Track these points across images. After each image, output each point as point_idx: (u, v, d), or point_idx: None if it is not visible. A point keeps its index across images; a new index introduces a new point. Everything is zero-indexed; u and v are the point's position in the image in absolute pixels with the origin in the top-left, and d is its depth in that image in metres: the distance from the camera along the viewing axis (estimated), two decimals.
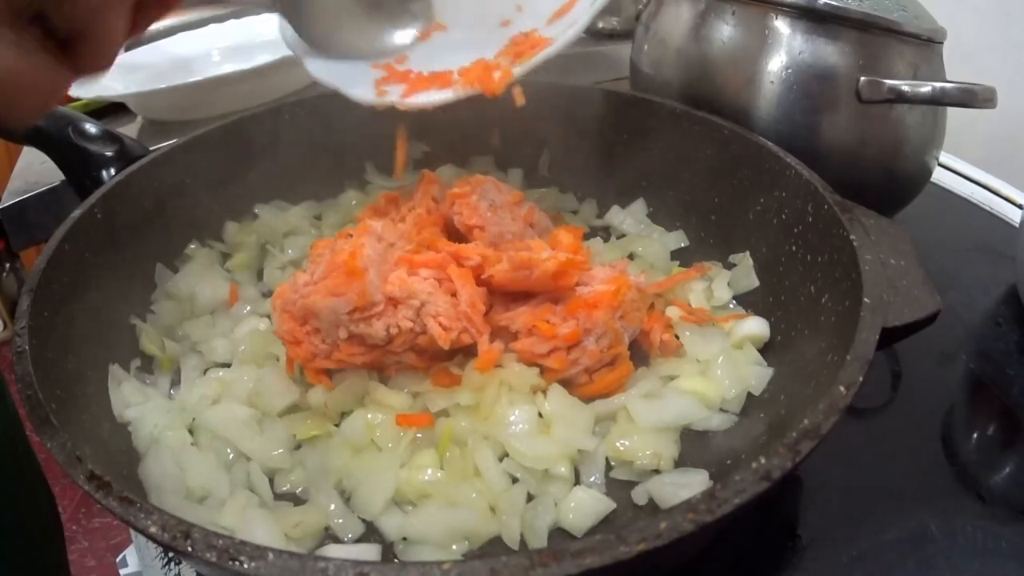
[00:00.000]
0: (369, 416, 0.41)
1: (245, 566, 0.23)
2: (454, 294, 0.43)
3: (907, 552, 0.39)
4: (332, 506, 0.38)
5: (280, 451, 0.40)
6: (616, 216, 0.60)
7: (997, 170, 0.70)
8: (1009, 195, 0.67)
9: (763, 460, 0.25)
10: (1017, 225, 0.58)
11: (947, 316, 0.54)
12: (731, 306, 0.51)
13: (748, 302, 0.51)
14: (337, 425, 0.42)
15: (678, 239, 0.57)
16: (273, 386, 0.43)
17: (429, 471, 0.38)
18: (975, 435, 0.47)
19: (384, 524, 0.37)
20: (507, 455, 0.40)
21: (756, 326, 0.46)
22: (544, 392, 0.42)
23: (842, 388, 0.30)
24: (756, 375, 0.43)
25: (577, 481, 0.39)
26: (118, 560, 0.53)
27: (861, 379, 0.31)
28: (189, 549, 0.24)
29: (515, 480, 0.39)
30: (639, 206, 0.59)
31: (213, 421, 0.41)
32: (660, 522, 0.22)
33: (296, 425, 0.41)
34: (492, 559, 0.21)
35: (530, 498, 0.38)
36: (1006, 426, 0.48)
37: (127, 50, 0.83)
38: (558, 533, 0.37)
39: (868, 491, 0.42)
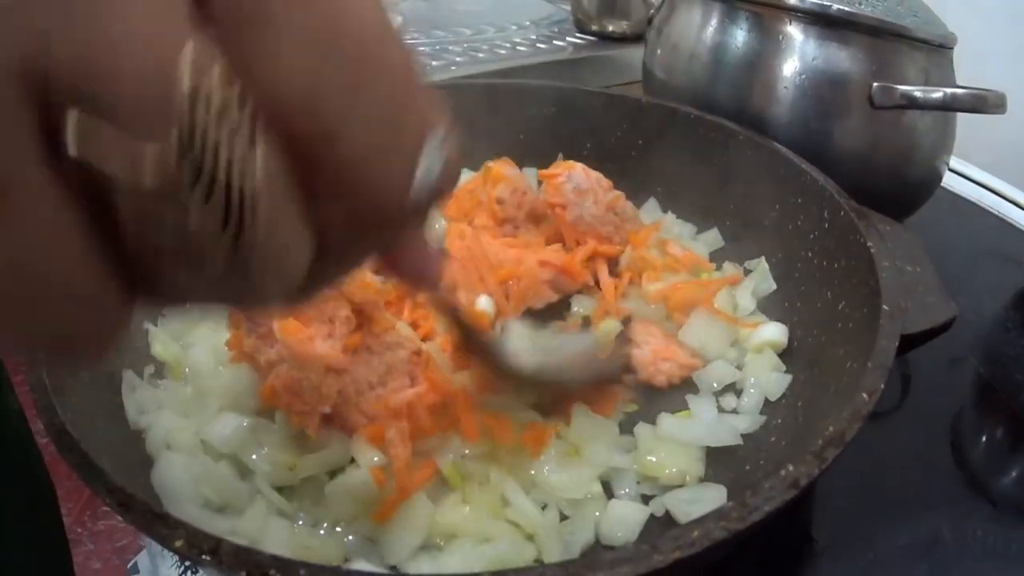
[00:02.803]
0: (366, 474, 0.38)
1: None
2: None
3: (920, 556, 0.39)
4: (349, 537, 0.37)
5: (282, 470, 0.39)
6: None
7: (1007, 175, 0.70)
8: (1018, 200, 0.67)
9: (791, 468, 0.25)
10: None
11: (957, 321, 0.54)
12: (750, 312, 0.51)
13: (764, 307, 0.51)
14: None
15: (711, 240, 0.56)
16: (246, 385, 0.42)
17: (459, 509, 0.37)
18: (985, 439, 0.48)
19: (412, 569, 0.35)
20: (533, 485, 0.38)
21: (774, 332, 0.46)
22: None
23: (865, 395, 0.30)
24: (774, 381, 0.43)
25: (610, 495, 0.39)
26: (128, 566, 0.52)
27: (882, 386, 0.31)
28: (219, 565, 0.24)
29: (544, 506, 0.38)
30: (652, 205, 0.59)
31: (211, 432, 0.40)
32: (693, 530, 0.22)
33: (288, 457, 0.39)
34: (529, 569, 0.21)
35: (563, 518, 0.37)
36: (1015, 430, 0.49)
37: None
38: (594, 547, 0.36)
39: (880, 495, 0.42)
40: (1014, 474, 0.46)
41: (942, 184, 0.62)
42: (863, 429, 0.45)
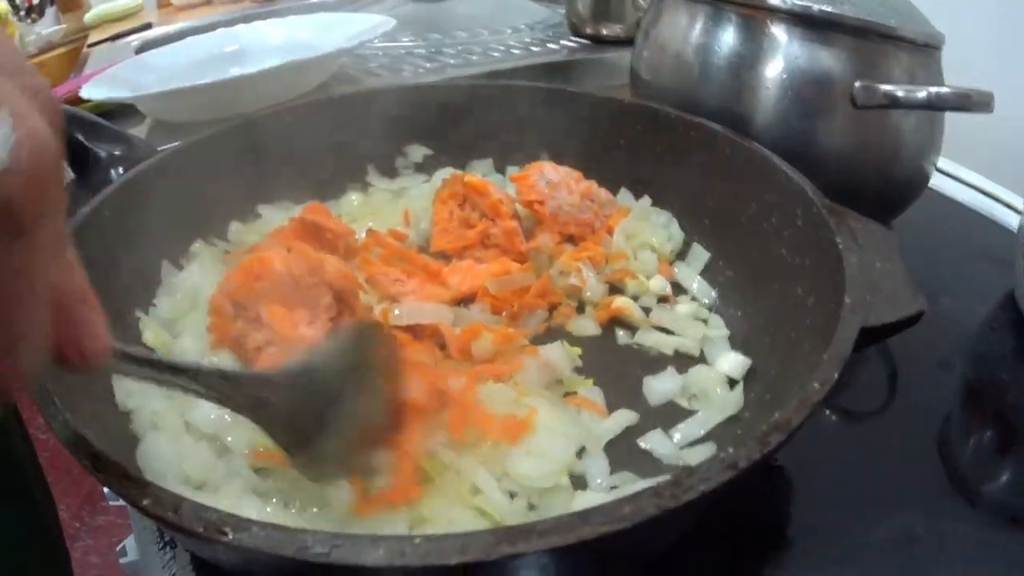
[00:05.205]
0: None
1: (230, 536, 0.24)
2: None
3: (893, 552, 0.39)
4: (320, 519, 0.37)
5: (260, 451, 0.40)
6: None
7: (998, 176, 0.70)
8: (1009, 201, 0.67)
9: (731, 450, 0.26)
10: (1015, 231, 0.57)
11: (944, 321, 0.54)
12: (709, 300, 0.53)
13: (738, 304, 0.51)
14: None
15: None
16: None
17: (430, 498, 0.37)
18: (968, 440, 0.47)
19: None
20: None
21: (734, 365, 0.47)
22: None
23: (816, 384, 0.30)
24: (729, 400, 0.44)
25: (580, 486, 0.39)
26: (118, 549, 0.54)
27: (836, 376, 0.31)
28: (178, 521, 0.25)
29: (513, 496, 0.38)
30: (625, 195, 0.60)
31: (195, 415, 0.41)
32: (624, 505, 0.23)
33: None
34: (462, 535, 0.22)
35: (531, 507, 0.38)
36: (999, 431, 0.48)
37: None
38: None
39: (858, 493, 0.42)
40: (996, 475, 0.45)
41: (932, 186, 0.62)
42: (849, 428, 0.46)
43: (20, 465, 0.59)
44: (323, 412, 0.34)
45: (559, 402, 0.43)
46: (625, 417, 0.43)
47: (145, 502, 0.27)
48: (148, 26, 1.04)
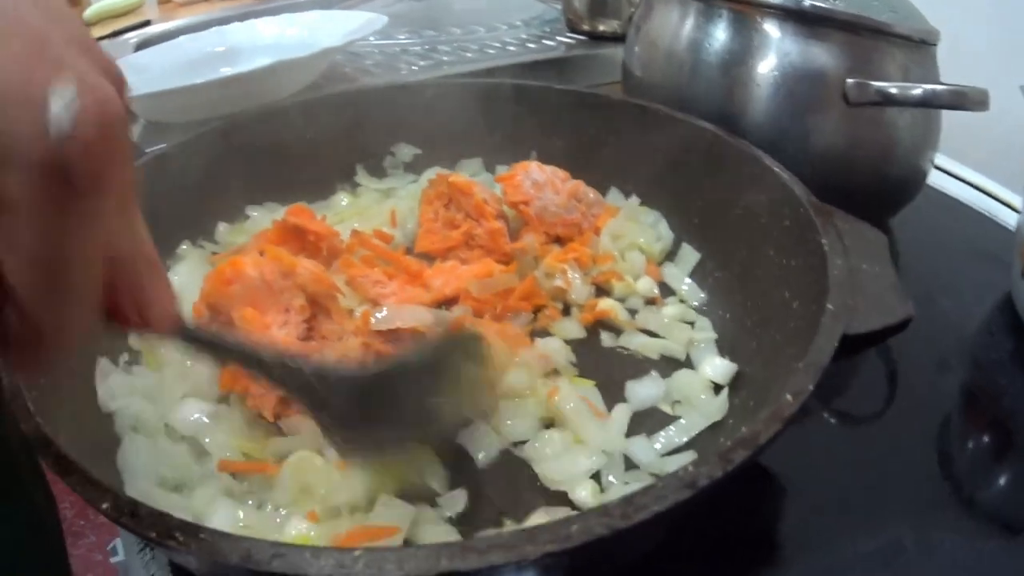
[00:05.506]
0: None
1: (180, 542, 0.24)
2: None
3: (884, 562, 0.38)
4: (291, 520, 0.37)
5: (236, 453, 0.40)
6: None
7: (999, 174, 0.68)
8: (1008, 200, 0.65)
9: (691, 468, 0.25)
10: (1014, 230, 0.56)
11: (942, 322, 0.53)
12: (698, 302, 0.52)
13: (726, 306, 0.50)
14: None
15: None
16: (208, 374, 0.43)
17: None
18: (964, 446, 0.46)
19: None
20: None
21: (720, 370, 0.46)
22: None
23: (789, 396, 0.29)
24: (713, 406, 0.43)
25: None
26: (109, 548, 0.55)
27: (811, 388, 0.30)
28: (133, 525, 0.26)
29: None
30: (615, 195, 0.60)
31: (176, 417, 0.42)
32: (572, 524, 0.22)
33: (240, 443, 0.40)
34: (402, 549, 0.21)
35: None
36: (995, 437, 0.47)
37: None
38: None
39: (851, 500, 0.41)
40: (992, 483, 0.44)
41: (931, 184, 0.60)
42: (845, 433, 0.45)
43: (15, 464, 0.60)
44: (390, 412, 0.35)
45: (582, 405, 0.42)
46: (625, 413, 0.43)
47: (104, 505, 0.27)
48: (147, 23, 1.04)
